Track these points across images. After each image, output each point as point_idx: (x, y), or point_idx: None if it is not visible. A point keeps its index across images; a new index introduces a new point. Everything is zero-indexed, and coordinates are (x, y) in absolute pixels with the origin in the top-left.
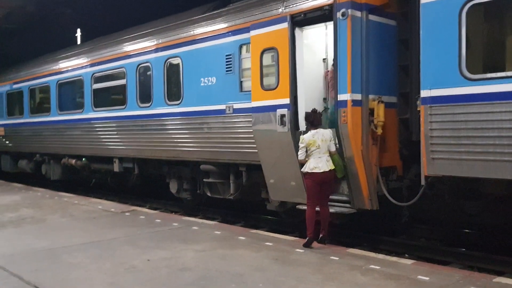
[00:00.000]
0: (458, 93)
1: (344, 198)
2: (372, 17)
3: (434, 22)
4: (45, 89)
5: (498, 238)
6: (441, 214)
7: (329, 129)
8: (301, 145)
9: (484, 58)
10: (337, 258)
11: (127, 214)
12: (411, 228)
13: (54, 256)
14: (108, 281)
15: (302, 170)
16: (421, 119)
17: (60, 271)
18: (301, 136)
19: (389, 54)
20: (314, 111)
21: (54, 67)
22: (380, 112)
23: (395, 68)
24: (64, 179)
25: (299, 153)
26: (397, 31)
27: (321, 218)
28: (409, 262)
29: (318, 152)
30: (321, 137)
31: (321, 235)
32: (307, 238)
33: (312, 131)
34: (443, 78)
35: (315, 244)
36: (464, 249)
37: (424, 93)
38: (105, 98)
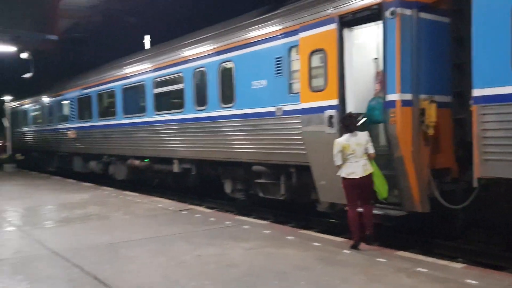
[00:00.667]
0: (509, 92)
1: (394, 200)
2: (423, 15)
3: (485, 19)
4: (111, 94)
5: None
6: (499, 218)
7: (365, 132)
8: (335, 149)
9: None
10: (384, 260)
11: (184, 212)
12: (467, 232)
13: (114, 250)
14: (161, 274)
15: (338, 174)
16: (473, 119)
17: (118, 263)
18: (335, 141)
19: (442, 52)
20: (350, 115)
21: (119, 73)
22: (431, 112)
23: (449, 67)
24: (129, 179)
25: (334, 158)
26: (451, 29)
27: (364, 217)
28: (459, 266)
29: (353, 156)
30: (356, 141)
31: (366, 234)
32: (354, 241)
33: (347, 135)
34: (495, 77)
35: (364, 246)
36: None
37: (476, 92)
38: (165, 102)
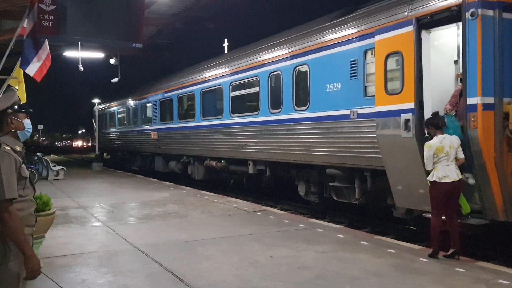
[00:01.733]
0: None
1: (476, 207)
2: (507, 15)
3: None
4: (190, 97)
5: None
6: None
7: (455, 136)
8: (429, 152)
9: None
10: (463, 270)
11: (258, 213)
12: None
13: (190, 247)
14: (233, 273)
15: (428, 179)
16: None
17: (194, 261)
18: (427, 143)
19: None
20: (435, 113)
21: (198, 77)
22: None
23: None
24: (206, 179)
25: (426, 161)
26: None
27: (451, 231)
28: None
29: (446, 159)
30: (449, 143)
31: (452, 250)
32: (433, 249)
33: (440, 137)
34: None
35: (441, 254)
36: None
37: None
38: (241, 105)
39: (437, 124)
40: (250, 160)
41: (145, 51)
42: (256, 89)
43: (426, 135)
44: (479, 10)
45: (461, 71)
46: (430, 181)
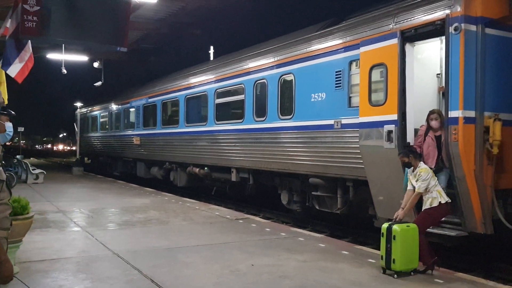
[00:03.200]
0: None
1: (456, 220)
2: (489, 31)
3: None
4: (175, 103)
5: None
6: None
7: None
8: (427, 175)
9: None
10: (441, 281)
11: (240, 221)
12: None
13: (171, 254)
14: (214, 281)
15: (440, 201)
16: None
17: (174, 268)
18: (425, 167)
19: (509, 68)
20: (411, 150)
21: (182, 83)
22: (496, 131)
23: None
24: (189, 186)
25: (421, 184)
26: None
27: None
28: None
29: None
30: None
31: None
32: (426, 266)
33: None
34: None
35: (420, 265)
36: None
37: None
38: (225, 112)
39: (414, 153)
40: (234, 168)
41: (130, 55)
42: (241, 97)
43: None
44: (463, 25)
45: (443, 84)
46: (433, 206)
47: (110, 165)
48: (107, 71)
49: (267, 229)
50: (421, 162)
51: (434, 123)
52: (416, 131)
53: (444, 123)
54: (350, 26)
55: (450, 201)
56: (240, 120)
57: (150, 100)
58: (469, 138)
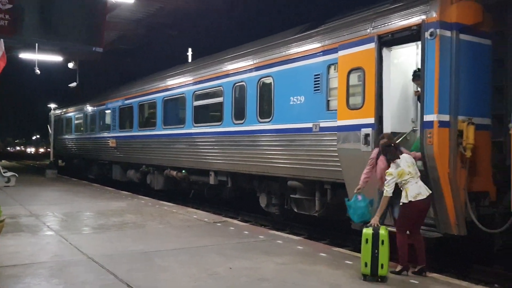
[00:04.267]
0: None
1: (430, 221)
2: (463, 37)
3: None
4: (152, 105)
5: None
6: None
7: (406, 155)
8: (391, 180)
9: None
10: (417, 282)
11: (218, 224)
12: (505, 258)
13: (147, 258)
14: (191, 285)
15: (402, 201)
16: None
17: (151, 272)
18: (389, 171)
19: (482, 74)
20: (388, 144)
21: (160, 85)
22: (469, 134)
23: (489, 89)
24: (166, 189)
25: (387, 188)
26: (492, 51)
27: (417, 248)
28: None
29: (412, 178)
30: (405, 163)
31: (420, 267)
32: (403, 266)
33: (395, 163)
34: None
35: (395, 265)
36: None
37: None
38: (204, 115)
39: (385, 154)
40: (212, 171)
41: (106, 56)
42: (220, 99)
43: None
44: (438, 30)
45: (419, 89)
46: (404, 203)
47: (85, 168)
48: (82, 72)
49: (246, 232)
50: (392, 165)
51: None
52: (393, 134)
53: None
54: (329, 30)
55: (416, 199)
56: (219, 123)
57: (126, 102)
58: (443, 141)
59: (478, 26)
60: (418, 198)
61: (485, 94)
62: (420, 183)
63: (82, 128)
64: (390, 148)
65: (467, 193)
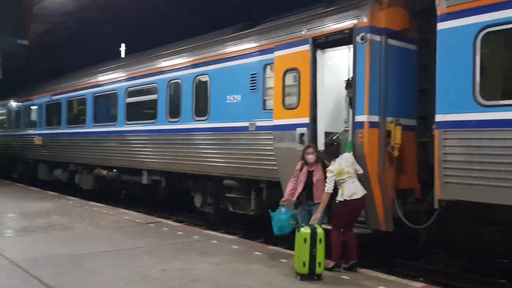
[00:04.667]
0: (471, 119)
1: (360, 218)
2: (391, 41)
3: (449, 48)
4: (81, 101)
5: None
6: (460, 239)
7: (348, 153)
8: (331, 176)
9: (498, 85)
10: (348, 278)
11: (151, 225)
12: (431, 253)
13: (76, 262)
14: None
15: (338, 198)
16: (435, 143)
17: (79, 276)
18: (329, 168)
19: (408, 77)
20: (331, 143)
21: (90, 80)
22: (397, 135)
23: (414, 92)
24: (96, 189)
25: (327, 185)
26: (418, 56)
27: (349, 244)
28: (419, 285)
29: (350, 177)
30: (346, 162)
31: (351, 262)
32: (335, 262)
33: (337, 160)
34: (457, 104)
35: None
36: (478, 276)
37: (438, 118)
38: (137, 112)
39: (326, 152)
40: (145, 170)
41: (33, 49)
42: (154, 97)
43: (319, 149)
44: (368, 34)
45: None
46: (340, 201)
47: (8, 166)
48: (6, 65)
49: (180, 233)
50: (332, 162)
51: (311, 157)
52: (326, 134)
53: (319, 158)
54: (265, 30)
55: (351, 198)
56: (153, 121)
57: (54, 97)
58: (373, 141)
59: (405, 32)
60: (353, 197)
61: (411, 97)
62: (357, 183)
63: (5, 125)
64: (333, 147)
65: (394, 191)
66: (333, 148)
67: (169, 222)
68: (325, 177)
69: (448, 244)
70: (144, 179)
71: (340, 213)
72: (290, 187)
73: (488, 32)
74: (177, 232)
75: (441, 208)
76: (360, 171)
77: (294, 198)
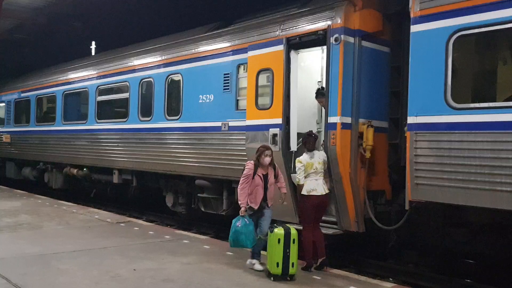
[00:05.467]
0: (443, 121)
1: (332, 219)
2: (365, 43)
3: (422, 51)
4: (51, 99)
5: (486, 267)
6: (430, 240)
7: (323, 152)
8: (301, 167)
9: (469, 88)
10: (319, 278)
11: (122, 225)
12: (401, 254)
13: (45, 261)
14: None
15: (302, 192)
16: (407, 144)
17: (47, 276)
18: (298, 158)
19: (381, 79)
20: (309, 134)
21: (61, 78)
22: (369, 136)
23: (387, 94)
24: (66, 188)
25: (298, 176)
26: (390, 58)
27: (317, 242)
28: (389, 285)
29: (314, 174)
30: (318, 159)
31: (320, 260)
32: (307, 262)
33: (309, 153)
34: (428, 106)
35: (301, 263)
36: (447, 277)
37: (410, 120)
38: (108, 110)
39: (304, 143)
40: (116, 169)
41: (1, 45)
42: (125, 95)
43: (291, 149)
44: (342, 36)
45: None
46: (302, 194)
47: None
48: None
49: (151, 232)
50: (304, 153)
51: (267, 160)
52: (299, 135)
53: (273, 160)
54: (239, 30)
55: (310, 194)
56: (124, 119)
57: (23, 94)
58: (345, 142)
59: (379, 34)
60: (311, 193)
61: (383, 99)
62: (320, 181)
63: None
64: (311, 138)
65: (366, 192)
66: (311, 139)
67: (140, 221)
68: (276, 181)
69: (417, 245)
70: (115, 178)
71: (303, 208)
72: (246, 193)
73: (460, 36)
74: (148, 232)
75: (412, 209)
76: (327, 174)
77: (257, 207)
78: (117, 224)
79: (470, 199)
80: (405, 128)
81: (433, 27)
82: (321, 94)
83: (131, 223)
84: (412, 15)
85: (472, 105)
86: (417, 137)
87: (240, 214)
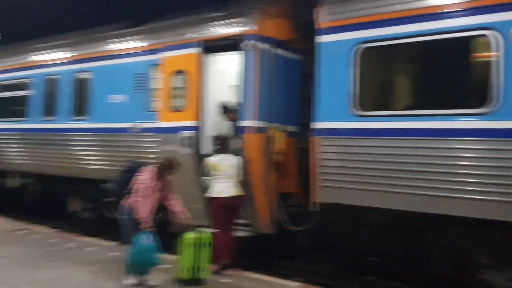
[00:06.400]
0: (346, 127)
1: (246, 221)
2: (278, 51)
3: (327, 60)
4: None
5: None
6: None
7: (239, 156)
8: (206, 168)
9: (372, 97)
10: (230, 280)
11: (19, 232)
12: (308, 254)
13: None
14: None
15: (207, 195)
16: (311, 149)
17: None
18: (205, 159)
19: (292, 86)
20: (222, 136)
21: None
22: (280, 140)
23: (298, 100)
24: None
25: (207, 177)
26: (302, 66)
27: (227, 245)
28: (297, 284)
29: (222, 176)
30: (227, 162)
31: (228, 262)
32: (219, 265)
33: (220, 155)
34: (333, 113)
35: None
36: (352, 274)
37: (316, 125)
38: (6, 109)
39: (217, 145)
40: (15, 172)
41: None
42: (27, 92)
43: (204, 152)
44: (256, 42)
45: (237, 96)
46: (210, 197)
47: None
48: None
49: (52, 240)
50: (214, 156)
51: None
52: (213, 138)
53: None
54: (154, 30)
55: (217, 196)
56: (24, 118)
57: None
58: (258, 146)
59: (291, 42)
60: (219, 195)
61: (294, 104)
62: (229, 184)
63: None
64: (224, 140)
65: (277, 195)
66: (223, 141)
67: (41, 229)
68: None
69: (327, 246)
70: (13, 182)
71: (212, 210)
72: (139, 207)
73: (364, 48)
74: (49, 240)
75: (319, 210)
76: (240, 177)
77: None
78: (14, 232)
79: (372, 200)
80: (311, 133)
81: (337, 38)
82: (228, 110)
83: (30, 230)
84: (317, 26)
85: (374, 112)
86: (323, 142)
87: (142, 229)
